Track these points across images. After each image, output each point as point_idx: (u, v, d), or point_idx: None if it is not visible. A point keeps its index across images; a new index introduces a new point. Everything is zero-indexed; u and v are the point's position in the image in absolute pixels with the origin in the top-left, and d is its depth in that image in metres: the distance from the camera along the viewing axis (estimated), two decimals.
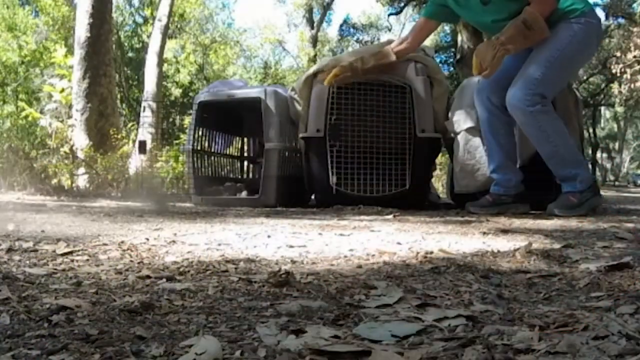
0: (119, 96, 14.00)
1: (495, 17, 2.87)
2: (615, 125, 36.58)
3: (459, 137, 3.47)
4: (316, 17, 25.84)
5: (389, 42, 3.97)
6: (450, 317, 0.81)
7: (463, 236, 1.90)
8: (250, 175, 5.22)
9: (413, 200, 3.57)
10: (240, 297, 0.95)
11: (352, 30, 26.49)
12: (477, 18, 3.05)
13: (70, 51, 7.67)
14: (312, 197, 4.30)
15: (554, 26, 2.75)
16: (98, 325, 0.75)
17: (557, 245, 1.58)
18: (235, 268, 1.22)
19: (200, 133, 4.29)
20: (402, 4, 16.81)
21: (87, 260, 1.30)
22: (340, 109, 3.66)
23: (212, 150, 4.59)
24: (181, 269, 1.18)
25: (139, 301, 0.88)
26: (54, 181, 5.80)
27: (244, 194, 4.13)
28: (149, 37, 13.32)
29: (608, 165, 35.43)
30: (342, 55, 4.01)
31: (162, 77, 12.23)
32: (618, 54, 18.32)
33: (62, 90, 6.98)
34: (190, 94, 17.28)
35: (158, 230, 2.00)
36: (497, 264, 1.30)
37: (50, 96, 7.92)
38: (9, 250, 1.40)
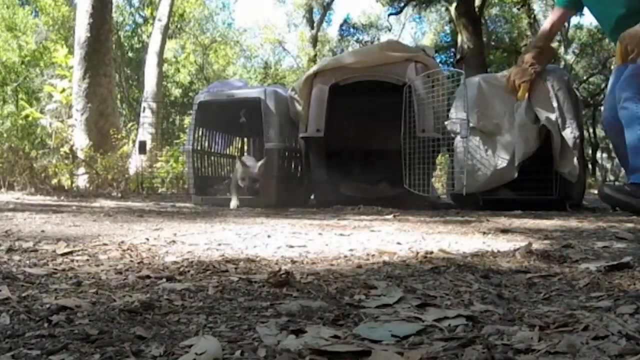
0: (119, 96, 14.01)
1: (631, 7, 2.93)
2: None
3: (458, 137, 3.47)
4: (316, 17, 25.83)
5: (389, 42, 3.98)
6: (450, 317, 0.81)
7: (463, 236, 1.90)
8: None
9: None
10: (240, 297, 0.95)
11: (352, 30, 26.47)
12: (607, 9, 3.09)
13: (70, 51, 7.67)
14: (312, 197, 4.30)
15: None
16: (98, 325, 0.75)
17: (557, 245, 1.58)
18: (235, 268, 1.22)
19: (200, 133, 4.29)
20: (402, 4, 16.81)
21: (87, 260, 1.30)
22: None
23: (212, 150, 4.59)
24: (181, 269, 1.18)
25: (139, 301, 0.88)
26: (54, 181, 5.80)
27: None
28: (149, 37, 13.33)
29: (608, 165, 35.38)
30: (342, 55, 4.02)
31: (162, 77, 12.24)
32: None
33: (63, 90, 6.98)
34: (190, 94, 17.28)
35: (158, 230, 2.00)
36: (497, 264, 1.30)
37: (50, 96, 7.92)
38: (9, 250, 1.40)
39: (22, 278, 1.05)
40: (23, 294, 0.91)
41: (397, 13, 19.52)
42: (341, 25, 26.81)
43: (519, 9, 15.92)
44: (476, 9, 11.73)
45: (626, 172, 3.16)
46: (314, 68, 3.90)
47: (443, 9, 19.21)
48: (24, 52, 15.41)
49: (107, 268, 1.19)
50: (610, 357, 0.61)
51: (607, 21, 3.23)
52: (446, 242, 1.71)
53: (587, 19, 25.26)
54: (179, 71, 19.35)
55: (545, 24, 3.60)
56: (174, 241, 1.66)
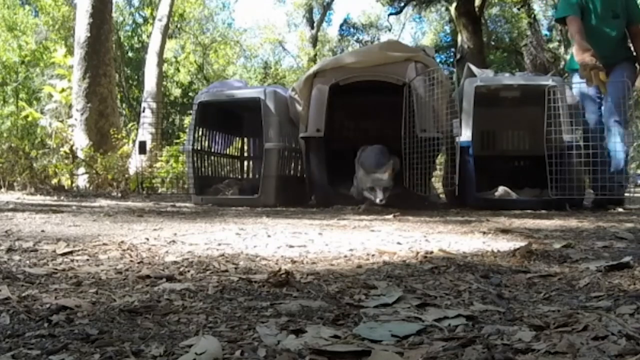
0: (119, 96, 14.00)
1: (619, 32, 3.55)
2: None
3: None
4: (316, 17, 25.80)
5: (389, 42, 3.98)
6: (450, 317, 0.81)
7: (463, 236, 1.90)
8: (250, 175, 5.22)
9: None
10: (240, 297, 0.95)
11: (352, 30, 26.44)
12: (605, 29, 3.57)
13: (70, 51, 7.66)
14: (312, 197, 4.30)
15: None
16: (98, 325, 0.75)
17: (557, 245, 1.58)
18: (235, 268, 1.22)
19: (200, 133, 4.29)
20: (402, 4, 16.78)
21: (87, 260, 1.30)
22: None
23: (212, 150, 4.59)
24: (181, 269, 1.18)
25: (139, 301, 0.88)
26: (54, 181, 5.80)
27: (235, 190, 4.11)
28: (149, 37, 13.31)
29: None
30: (342, 55, 4.01)
31: (162, 77, 12.22)
32: None
33: (63, 90, 6.98)
34: (190, 94, 17.27)
35: (158, 230, 2.00)
36: (497, 264, 1.30)
37: (50, 96, 7.92)
38: (9, 250, 1.40)
39: (22, 278, 1.05)
40: (23, 294, 0.91)
41: (397, 13, 19.50)
42: (341, 25, 26.79)
43: (519, 9, 15.89)
44: (476, 9, 11.71)
45: None
46: (314, 68, 3.89)
47: (443, 9, 19.19)
48: (24, 52, 15.39)
49: (107, 268, 1.19)
50: (610, 357, 0.61)
51: (604, 41, 3.59)
52: (446, 242, 1.71)
53: None
54: (178, 71, 19.33)
55: (579, 36, 3.65)
56: (174, 241, 1.66)
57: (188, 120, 6.23)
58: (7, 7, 16.38)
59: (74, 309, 0.82)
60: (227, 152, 5.02)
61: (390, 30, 25.27)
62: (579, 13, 3.56)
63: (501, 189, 3.57)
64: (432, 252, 1.44)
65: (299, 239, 1.76)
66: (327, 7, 26.10)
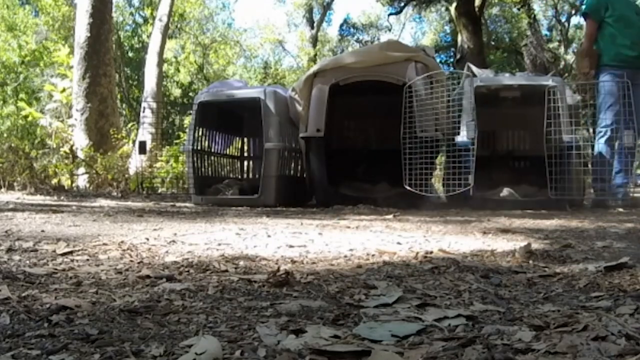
0: (119, 96, 13.99)
1: None
2: None
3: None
4: (316, 17, 25.81)
5: (389, 42, 3.99)
6: (450, 317, 0.81)
7: (463, 236, 1.90)
8: (250, 175, 5.23)
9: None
10: (240, 297, 0.95)
11: (352, 30, 26.44)
12: (630, 20, 3.77)
13: (70, 51, 7.66)
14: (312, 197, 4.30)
15: None
16: (98, 325, 0.75)
17: (557, 245, 1.58)
18: (235, 268, 1.22)
19: (200, 133, 4.29)
20: (402, 4, 16.78)
21: (87, 260, 1.30)
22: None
23: (212, 150, 4.59)
24: (181, 269, 1.18)
25: (139, 301, 0.88)
26: (54, 181, 5.80)
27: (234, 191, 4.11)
28: (149, 37, 13.31)
29: None
30: (342, 55, 4.02)
31: (162, 77, 12.22)
32: None
33: (63, 90, 6.97)
34: (190, 94, 17.28)
35: (158, 230, 2.00)
36: (497, 264, 1.30)
37: (50, 96, 7.91)
38: (9, 250, 1.40)
39: (22, 278, 1.05)
40: (23, 294, 0.91)
41: (397, 13, 19.50)
42: (341, 25, 26.79)
43: (519, 9, 15.91)
44: (476, 9, 11.70)
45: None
46: (314, 68, 3.90)
47: (443, 9, 19.19)
48: (24, 52, 15.39)
49: (107, 268, 1.19)
50: (610, 357, 0.61)
51: (630, 31, 3.81)
52: (446, 242, 1.71)
53: None
54: (178, 71, 19.34)
55: (588, 41, 3.99)
56: (174, 241, 1.66)
57: (188, 120, 6.22)
58: (7, 7, 16.38)
59: (74, 309, 0.82)
60: (227, 152, 5.01)
61: (390, 30, 25.26)
62: (598, 17, 3.83)
63: (506, 190, 3.56)
64: (432, 252, 1.44)
65: (299, 239, 1.76)
66: (327, 7, 26.11)
